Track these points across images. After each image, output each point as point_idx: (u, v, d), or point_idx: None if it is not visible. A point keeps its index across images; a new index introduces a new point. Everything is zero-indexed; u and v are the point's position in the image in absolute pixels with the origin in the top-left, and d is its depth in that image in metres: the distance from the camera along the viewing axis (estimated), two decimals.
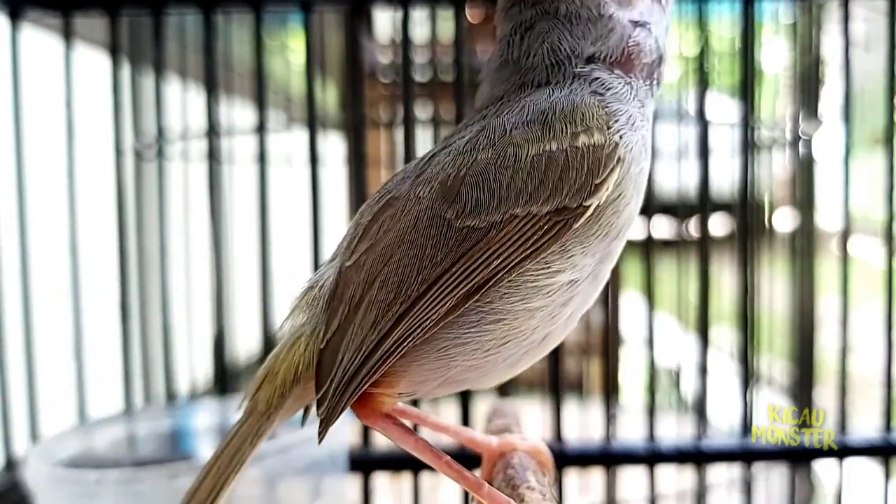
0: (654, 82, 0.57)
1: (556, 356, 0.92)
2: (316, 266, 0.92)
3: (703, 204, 0.98)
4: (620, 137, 0.51)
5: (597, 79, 0.54)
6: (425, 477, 0.96)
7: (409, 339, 0.50)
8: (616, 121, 0.52)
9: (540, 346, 0.54)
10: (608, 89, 0.54)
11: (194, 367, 1.23)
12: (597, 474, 0.99)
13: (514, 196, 0.50)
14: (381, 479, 1.00)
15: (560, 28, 0.56)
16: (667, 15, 0.58)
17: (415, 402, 0.81)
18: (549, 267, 0.50)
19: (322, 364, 0.53)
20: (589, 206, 0.50)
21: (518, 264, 0.50)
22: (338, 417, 0.51)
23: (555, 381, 0.94)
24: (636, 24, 0.56)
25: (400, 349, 0.50)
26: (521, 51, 0.57)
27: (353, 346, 0.51)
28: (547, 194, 0.50)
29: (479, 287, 0.49)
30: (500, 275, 0.49)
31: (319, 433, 0.51)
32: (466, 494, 0.84)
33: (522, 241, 0.50)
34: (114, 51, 0.96)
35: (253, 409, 0.55)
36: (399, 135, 1.16)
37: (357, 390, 0.51)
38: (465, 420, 0.92)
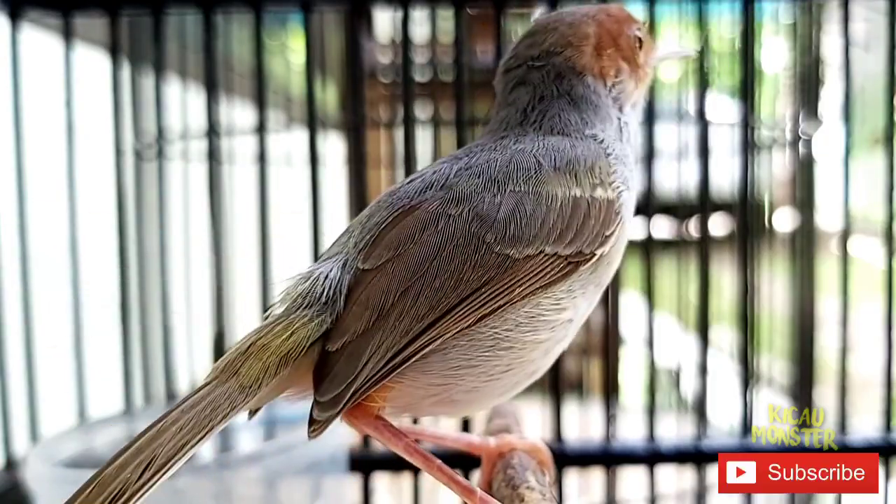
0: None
1: None
2: None
3: (703, 204, 0.98)
4: (621, 196, 0.58)
5: (604, 140, 0.61)
6: (425, 477, 0.96)
7: (427, 348, 0.52)
8: (619, 180, 0.58)
9: (529, 377, 0.57)
10: (613, 151, 0.60)
11: (194, 367, 1.22)
12: (597, 474, 0.99)
13: (546, 234, 0.54)
14: (381, 479, 1.00)
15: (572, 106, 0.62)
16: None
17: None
18: (559, 304, 0.55)
19: (331, 366, 0.52)
20: (597, 255, 0.56)
21: (531, 294, 0.54)
22: (336, 417, 0.51)
23: (555, 381, 0.94)
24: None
25: (414, 357, 0.52)
26: (538, 98, 0.63)
27: (381, 353, 0.51)
28: (571, 237, 0.55)
29: (494, 311, 0.53)
30: (515, 301, 0.53)
31: (313, 431, 0.51)
32: None
33: (541, 275, 0.54)
34: (114, 51, 0.96)
35: (228, 378, 0.51)
36: (399, 135, 1.16)
37: (366, 390, 0.51)
38: (465, 422, 0.92)
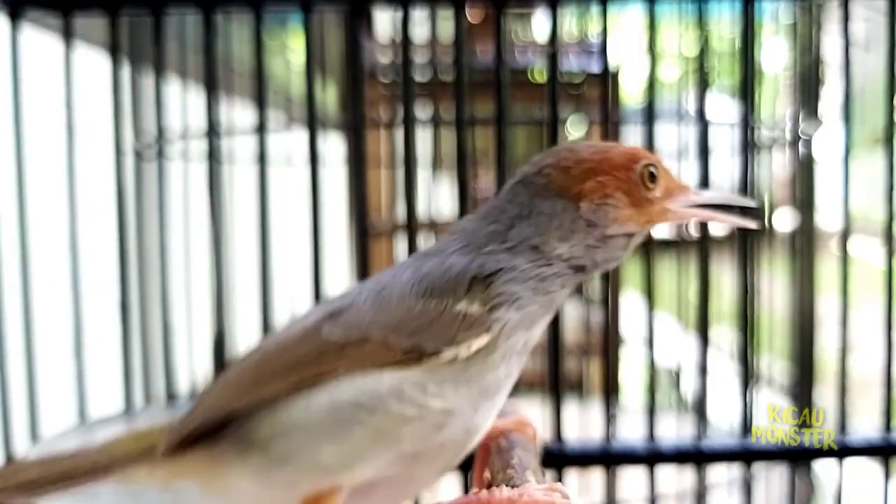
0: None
1: (556, 356, 0.92)
2: (316, 267, 0.93)
3: (703, 204, 0.98)
4: (496, 312, 0.55)
5: (509, 262, 0.57)
6: None
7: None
8: (501, 297, 0.56)
9: (418, 462, 0.57)
10: (514, 267, 0.57)
11: (194, 367, 1.23)
12: (597, 474, 0.99)
13: (381, 326, 0.55)
14: None
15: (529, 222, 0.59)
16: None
17: None
18: (424, 388, 0.55)
19: None
20: (443, 353, 0.54)
21: (347, 369, 0.55)
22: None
23: (555, 381, 0.94)
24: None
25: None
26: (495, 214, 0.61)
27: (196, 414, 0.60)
28: (409, 332, 0.55)
29: (299, 374, 0.55)
30: (327, 371, 0.55)
31: None
32: (465, 492, 0.84)
33: (362, 358, 0.55)
34: (114, 51, 0.96)
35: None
36: (399, 135, 1.16)
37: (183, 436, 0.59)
38: None
